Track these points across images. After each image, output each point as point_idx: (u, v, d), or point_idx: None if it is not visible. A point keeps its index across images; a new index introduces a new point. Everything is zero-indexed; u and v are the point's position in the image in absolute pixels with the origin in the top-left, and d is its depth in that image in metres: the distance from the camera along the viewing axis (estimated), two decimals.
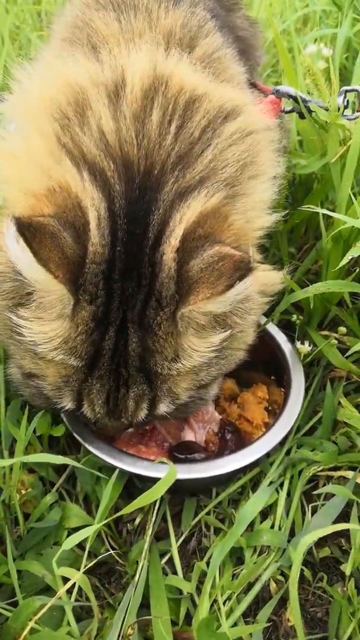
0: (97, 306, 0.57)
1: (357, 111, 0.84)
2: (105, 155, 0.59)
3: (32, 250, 0.52)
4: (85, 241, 0.56)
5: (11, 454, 0.73)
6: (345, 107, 0.86)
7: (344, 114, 0.85)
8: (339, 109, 0.83)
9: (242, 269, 0.55)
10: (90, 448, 0.69)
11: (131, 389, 0.60)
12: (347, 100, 0.87)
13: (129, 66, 0.65)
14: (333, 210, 0.85)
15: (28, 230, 0.52)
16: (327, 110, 0.81)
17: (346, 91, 0.88)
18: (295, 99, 0.85)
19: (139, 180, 0.59)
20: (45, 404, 0.66)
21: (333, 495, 0.70)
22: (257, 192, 0.67)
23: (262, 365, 0.85)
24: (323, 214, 0.79)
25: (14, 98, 0.69)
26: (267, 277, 0.71)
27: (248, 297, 0.63)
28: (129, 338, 0.58)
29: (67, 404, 0.62)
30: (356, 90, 0.89)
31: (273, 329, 0.85)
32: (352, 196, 0.73)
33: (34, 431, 0.72)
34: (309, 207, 0.77)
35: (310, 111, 0.84)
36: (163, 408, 0.62)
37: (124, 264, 0.57)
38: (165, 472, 0.63)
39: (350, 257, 0.69)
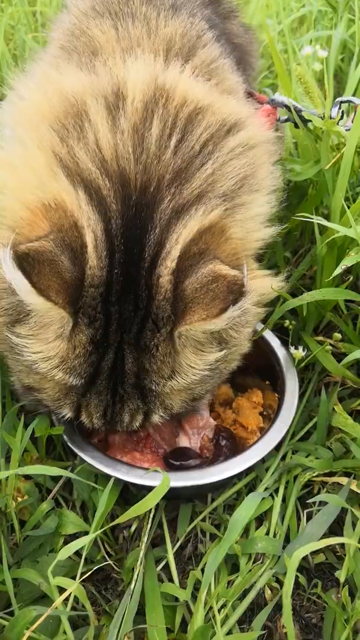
0: (96, 329, 0.57)
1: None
2: (102, 172, 0.59)
3: (31, 283, 0.52)
4: (83, 264, 0.56)
5: (8, 460, 0.73)
6: (341, 118, 0.86)
7: (338, 124, 0.85)
8: (331, 117, 0.83)
9: (235, 292, 0.55)
10: (85, 457, 0.69)
11: (126, 404, 0.61)
12: (342, 112, 0.87)
13: (129, 77, 0.64)
14: (328, 216, 0.86)
15: (26, 261, 0.52)
16: (322, 118, 0.81)
17: (340, 102, 0.88)
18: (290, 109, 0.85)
19: (135, 198, 0.58)
20: (47, 411, 0.67)
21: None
22: (256, 205, 0.66)
23: (257, 369, 0.86)
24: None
25: (11, 106, 0.68)
26: (263, 287, 0.70)
27: (244, 311, 0.63)
28: (125, 359, 0.59)
29: (67, 413, 0.63)
30: (350, 102, 0.89)
31: (268, 334, 0.86)
32: (345, 205, 0.73)
33: (32, 435, 0.72)
34: (302, 216, 0.77)
35: (304, 121, 0.84)
36: (156, 419, 0.63)
37: (121, 286, 0.57)
38: (159, 480, 0.63)
39: (343, 266, 0.69)
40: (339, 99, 0.85)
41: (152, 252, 0.58)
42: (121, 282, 0.57)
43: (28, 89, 0.69)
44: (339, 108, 0.83)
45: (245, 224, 0.64)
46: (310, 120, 0.82)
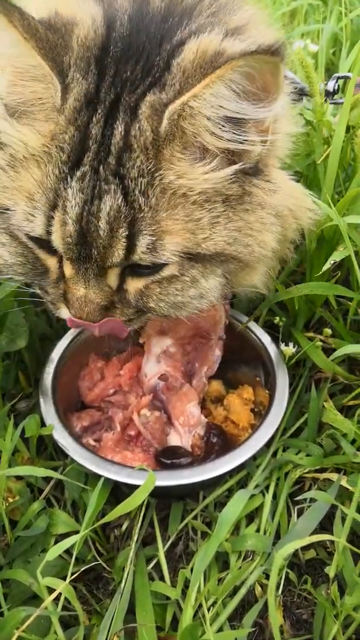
0: (89, 83, 0.58)
1: None
2: None
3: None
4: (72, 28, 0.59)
5: None
6: (336, 92, 0.90)
7: (334, 98, 0.89)
8: (330, 93, 0.87)
9: (274, 52, 0.50)
10: (75, 457, 0.69)
11: (104, 198, 0.57)
12: (338, 85, 0.90)
13: None
14: None
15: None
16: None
17: (338, 77, 0.91)
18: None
19: None
20: (23, 270, 0.65)
21: None
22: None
23: (248, 366, 0.86)
24: None
25: None
26: (296, 191, 0.70)
27: (273, 139, 0.61)
28: (115, 127, 0.57)
29: (38, 228, 0.60)
30: (348, 77, 0.90)
31: (259, 331, 0.86)
32: (331, 202, 0.73)
33: (22, 434, 0.72)
34: None
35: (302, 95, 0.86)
36: (141, 248, 0.58)
37: (125, 42, 0.60)
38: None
39: (332, 262, 0.69)
40: (336, 74, 0.87)
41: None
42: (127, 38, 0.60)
43: None
44: (336, 82, 0.86)
45: None
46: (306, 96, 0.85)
